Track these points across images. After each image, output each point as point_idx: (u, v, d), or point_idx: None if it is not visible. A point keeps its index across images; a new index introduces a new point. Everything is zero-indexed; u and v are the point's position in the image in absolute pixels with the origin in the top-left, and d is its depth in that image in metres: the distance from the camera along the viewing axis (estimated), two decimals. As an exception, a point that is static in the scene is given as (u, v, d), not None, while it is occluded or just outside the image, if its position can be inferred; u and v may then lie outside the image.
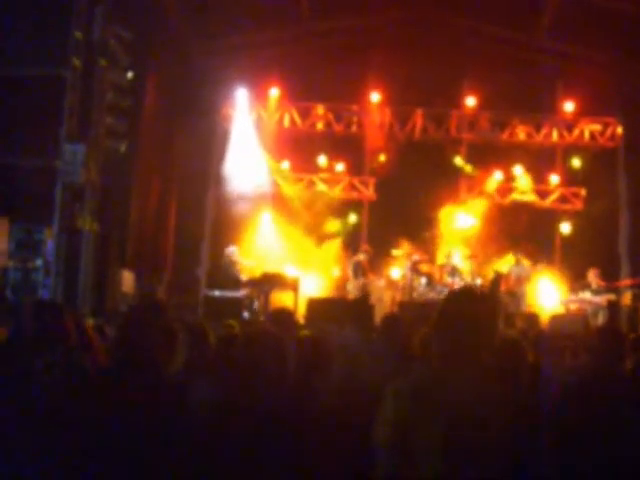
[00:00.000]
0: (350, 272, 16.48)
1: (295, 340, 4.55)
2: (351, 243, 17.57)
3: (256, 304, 15.30)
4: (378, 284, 16.65)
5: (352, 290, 16.26)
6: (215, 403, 3.88)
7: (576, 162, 18.34)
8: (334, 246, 17.48)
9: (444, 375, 3.08)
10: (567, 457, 3.30)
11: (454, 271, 16.13)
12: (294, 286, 15.29)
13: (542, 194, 18.21)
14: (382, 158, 18.46)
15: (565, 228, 18.09)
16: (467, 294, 3.36)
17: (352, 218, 18.41)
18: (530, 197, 18.20)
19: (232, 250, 16.07)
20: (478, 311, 3.15)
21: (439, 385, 3.05)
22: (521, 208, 18.04)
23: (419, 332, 5.09)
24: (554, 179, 18.38)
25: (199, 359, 4.85)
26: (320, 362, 4.44)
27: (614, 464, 3.58)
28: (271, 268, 15.94)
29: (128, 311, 9.62)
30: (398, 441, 3.01)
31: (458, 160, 18.45)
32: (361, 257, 16.55)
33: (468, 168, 18.26)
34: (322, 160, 18.50)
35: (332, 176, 18.63)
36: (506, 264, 16.64)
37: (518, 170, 18.19)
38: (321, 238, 17.53)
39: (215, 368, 4.57)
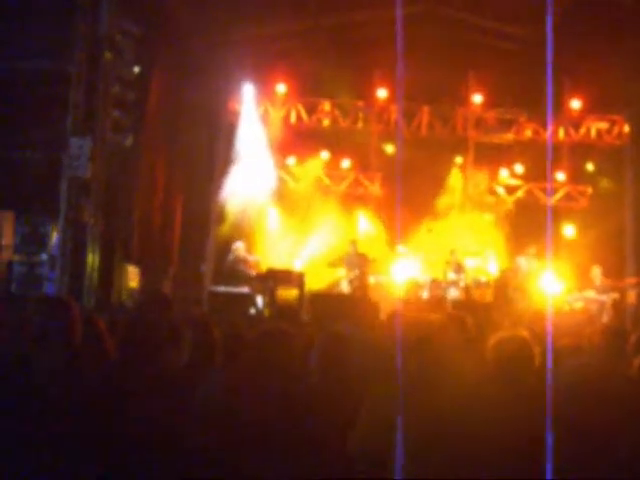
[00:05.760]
0: (344, 266, 16.35)
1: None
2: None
3: (261, 300, 15.28)
4: (383, 281, 16.61)
5: (345, 285, 16.15)
6: (224, 395, 3.92)
7: (587, 163, 18.40)
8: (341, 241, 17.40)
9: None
10: (571, 459, 3.30)
11: (459, 268, 16.09)
12: (299, 282, 15.26)
13: (548, 192, 18.20)
14: (389, 150, 18.49)
15: (570, 226, 18.07)
16: None
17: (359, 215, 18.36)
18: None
19: (238, 245, 16.06)
20: None
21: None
22: (527, 205, 18.06)
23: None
24: (560, 177, 18.38)
25: (205, 354, 4.86)
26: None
27: (618, 465, 3.57)
28: (277, 264, 15.91)
29: (135, 306, 9.62)
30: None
31: (458, 159, 18.52)
32: (350, 250, 16.45)
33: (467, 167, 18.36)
34: (327, 156, 18.51)
35: (338, 172, 18.63)
36: (512, 261, 16.61)
37: (519, 168, 18.25)
38: (328, 233, 17.47)
39: (224, 366, 4.58)
